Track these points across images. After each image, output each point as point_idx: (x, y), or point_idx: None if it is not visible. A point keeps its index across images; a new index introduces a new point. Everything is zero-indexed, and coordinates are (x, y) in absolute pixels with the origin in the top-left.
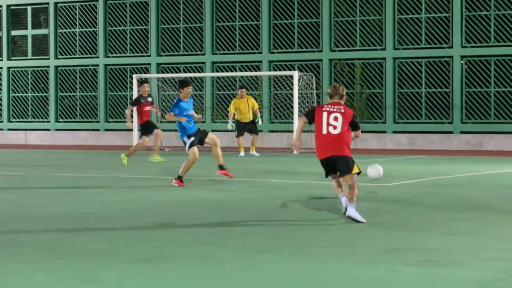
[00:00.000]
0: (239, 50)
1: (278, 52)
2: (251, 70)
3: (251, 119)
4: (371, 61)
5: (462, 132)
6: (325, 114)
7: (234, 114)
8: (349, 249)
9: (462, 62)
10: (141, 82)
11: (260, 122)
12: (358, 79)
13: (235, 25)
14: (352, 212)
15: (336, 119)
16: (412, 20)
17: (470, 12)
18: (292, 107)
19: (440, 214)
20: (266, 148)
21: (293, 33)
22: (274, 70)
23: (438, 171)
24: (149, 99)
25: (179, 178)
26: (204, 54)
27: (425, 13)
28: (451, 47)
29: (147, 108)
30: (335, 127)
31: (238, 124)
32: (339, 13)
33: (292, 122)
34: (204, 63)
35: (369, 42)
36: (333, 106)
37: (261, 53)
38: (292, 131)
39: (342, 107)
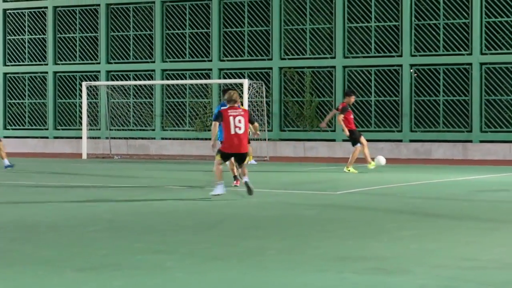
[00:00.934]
0: (189, 58)
1: (228, 60)
2: (201, 78)
3: None
4: (321, 70)
5: (411, 141)
6: (231, 118)
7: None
8: (298, 257)
9: (411, 70)
10: None
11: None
12: (308, 87)
13: (185, 32)
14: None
15: (240, 121)
16: (361, 28)
17: (419, 21)
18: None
19: (389, 222)
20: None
21: (243, 41)
22: (224, 78)
23: (388, 179)
24: None
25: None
26: (154, 62)
27: (375, 22)
28: (401, 56)
29: None
30: (240, 128)
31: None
32: (289, 21)
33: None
34: (154, 70)
35: (319, 51)
36: (235, 110)
37: (211, 61)
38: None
39: (241, 110)
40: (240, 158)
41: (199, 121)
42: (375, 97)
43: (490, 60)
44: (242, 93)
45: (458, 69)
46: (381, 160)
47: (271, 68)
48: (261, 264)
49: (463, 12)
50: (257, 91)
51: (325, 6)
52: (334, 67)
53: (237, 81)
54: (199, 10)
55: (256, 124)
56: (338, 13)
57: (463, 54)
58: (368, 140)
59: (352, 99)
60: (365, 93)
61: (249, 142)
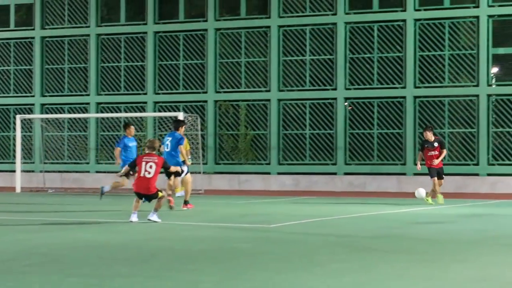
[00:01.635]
0: (124, 90)
1: (163, 93)
2: (136, 111)
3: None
4: (256, 103)
5: (345, 173)
6: (143, 163)
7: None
8: None
9: (345, 103)
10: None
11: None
12: (243, 120)
13: (120, 66)
14: (154, 217)
15: (151, 167)
16: (296, 62)
17: (354, 55)
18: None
19: (322, 254)
20: None
21: (178, 74)
22: (159, 111)
23: (322, 212)
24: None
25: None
26: (88, 95)
27: (310, 55)
28: (335, 89)
29: None
30: (149, 173)
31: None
32: (224, 55)
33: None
34: (88, 103)
35: (254, 84)
36: (149, 157)
37: (146, 94)
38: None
39: (155, 158)
40: (147, 198)
41: None
42: (309, 130)
43: (424, 93)
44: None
45: (392, 102)
46: (422, 192)
47: (206, 101)
48: None
49: (397, 46)
50: (192, 124)
51: (260, 39)
52: (269, 100)
53: (173, 114)
54: (135, 43)
55: (172, 168)
56: (273, 47)
57: (397, 88)
58: (303, 173)
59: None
60: (300, 126)
61: (179, 174)
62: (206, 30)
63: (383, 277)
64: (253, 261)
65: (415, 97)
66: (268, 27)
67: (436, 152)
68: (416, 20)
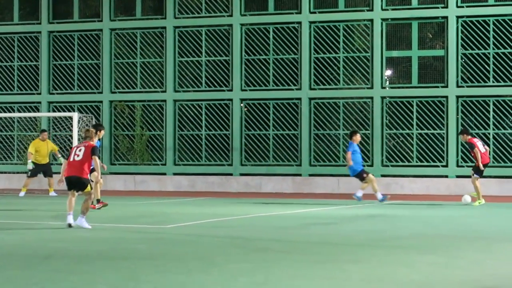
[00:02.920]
0: (17, 90)
1: (57, 93)
2: (30, 111)
3: (47, 161)
4: (151, 103)
5: (241, 174)
6: (74, 149)
7: (33, 156)
8: None
9: (241, 105)
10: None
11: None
12: (139, 121)
13: (13, 65)
14: (81, 222)
15: (80, 150)
16: (192, 62)
17: (249, 56)
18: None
19: (218, 255)
20: (44, 189)
21: (73, 74)
22: (54, 111)
23: (217, 213)
24: None
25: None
26: None
27: (206, 56)
28: (231, 90)
29: None
30: (78, 155)
31: (36, 166)
32: (119, 55)
33: None
34: None
35: (150, 84)
36: (81, 144)
37: (40, 94)
38: None
39: (86, 143)
40: (72, 184)
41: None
42: (205, 131)
43: (319, 95)
44: (72, 126)
45: (288, 104)
46: (467, 198)
47: (101, 102)
48: None
49: (293, 48)
50: (87, 125)
51: (155, 40)
52: (164, 100)
53: (67, 114)
54: (28, 42)
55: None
56: (169, 47)
57: (292, 89)
58: (198, 174)
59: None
60: (195, 127)
61: (51, 175)
62: (101, 30)
63: (279, 277)
64: (149, 262)
65: (310, 99)
66: (164, 27)
67: None
68: (311, 22)
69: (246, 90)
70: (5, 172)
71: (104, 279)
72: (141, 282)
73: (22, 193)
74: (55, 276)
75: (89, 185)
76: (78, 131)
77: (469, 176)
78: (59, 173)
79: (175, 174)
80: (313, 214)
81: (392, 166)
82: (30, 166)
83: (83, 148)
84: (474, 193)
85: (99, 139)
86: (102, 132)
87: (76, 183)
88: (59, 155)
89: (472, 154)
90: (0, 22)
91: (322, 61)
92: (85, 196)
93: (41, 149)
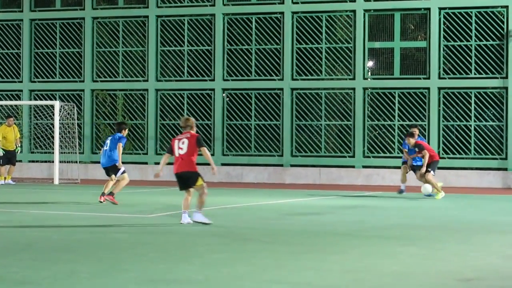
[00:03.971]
0: None
1: (39, 82)
2: (11, 99)
3: (14, 148)
4: (133, 92)
5: (223, 164)
6: (176, 141)
7: (0, 142)
8: (110, 280)
9: (223, 95)
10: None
11: (19, 152)
12: (120, 110)
13: None
14: (198, 217)
15: (183, 143)
16: (175, 52)
17: (231, 46)
18: (53, 137)
19: (200, 245)
20: (26, 178)
21: (54, 62)
22: (35, 99)
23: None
24: None
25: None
26: None
27: (188, 46)
28: (213, 80)
29: None
30: (182, 149)
31: (5, 153)
32: (101, 44)
33: (53, 152)
34: None
35: (132, 74)
36: (182, 135)
37: (21, 82)
38: (53, 161)
39: (189, 134)
40: (184, 180)
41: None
42: None
43: (301, 85)
44: (53, 114)
45: (270, 94)
46: (428, 188)
47: (83, 90)
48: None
49: (275, 38)
50: (68, 113)
51: (138, 29)
52: (146, 90)
53: (48, 102)
54: (10, 30)
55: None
56: (151, 37)
57: (274, 80)
58: None
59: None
60: (177, 116)
61: (14, 163)
62: (83, 18)
63: (262, 268)
64: (131, 252)
65: (292, 89)
66: (146, 17)
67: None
68: (293, 13)
69: (228, 80)
70: None
71: (86, 268)
72: (122, 271)
73: (1, 182)
74: (35, 265)
75: (200, 178)
76: (60, 120)
77: (451, 168)
78: (35, 161)
79: (156, 163)
80: (295, 204)
81: (374, 157)
82: (0, 152)
83: (186, 140)
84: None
85: (124, 136)
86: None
87: (188, 179)
88: (19, 144)
89: (420, 155)
90: None
91: (305, 51)
92: (198, 191)
93: (8, 135)
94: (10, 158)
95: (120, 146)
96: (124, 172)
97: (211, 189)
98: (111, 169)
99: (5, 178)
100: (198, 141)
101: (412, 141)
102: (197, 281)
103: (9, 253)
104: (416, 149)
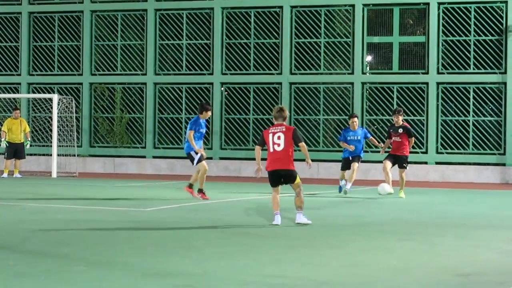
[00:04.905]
0: None
1: (37, 75)
2: (10, 92)
3: (22, 140)
4: (131, 86)
5: (221, 158)
6: (270, 135)
7: (6, 134)
8: (107, 273)
9: (222, 88)
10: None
11: (28, 146)
12: (119, 104)
13: None
14: (301, 218)
15: (279, 138)
16: (173, 46)
17: (230, 40)
18: (51, 130)
19: (197, 239)
20: (24, 171)
21: (53, 55)
22: (34, 92)
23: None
24: None
25: (201, 191)
26: None
27: (186, 40)
28: (212, 74)
29: None
30: (278, 145)
31: (9, 145)
32: (100, 37)
33: (51, 146)
34: None
35: (130, 67)
36: (276, 127)
37: (20, 75)
38: (51, 155)
39: (284, 127)
40: (278, 178)
41: None
42: (185, 114)
43: (299, 80)
44: (52, 108)
45: (268, 88)
46: (386, 188)
47: (81, 84)
48: (70, 281)
49: (274, 32)
50: (66, 106)
51: (136, 23)
52: (145, 83)
53: (47, 96)
54: (8, 23)
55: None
56: (150, 30)
57: (273, 74)
58: (177, 157)
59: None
60: (176, 110)
61: (23, 157)
62: (82, 11)
63: (259, 261)
64: (128, 245)
65: (291, 84)
66: (145, 10)
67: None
68: (292, 7)
69: (226, 74)
70: None
71: (83, 261)
72: (120, 264)
73: (4, 175)
74: (32, 258)
75: (297, 176)
76: (58, 113)
77: (449, 163)
78: (34, 154)
79: (154, 157)
80: (293, 199)
81: (372, 152)
82: (2, 144)
83: (282, 135)
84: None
85: (195, 119)
86: (209, 113)
87: (287, 177)
88: (29, 138)
89: (408, 142)
90: None
91: (303, 46)
92: (295, 190)
93: (13, 127)
94: (16, 151)
95: (191, 134)
96: (199, 160)
97: (209, 183)
98: (189, 159)
99: (11, 171)
100: (295, 136)
101: (400, 119)
102: (194, 274)
103: (6, 246)
104: (401, 130)
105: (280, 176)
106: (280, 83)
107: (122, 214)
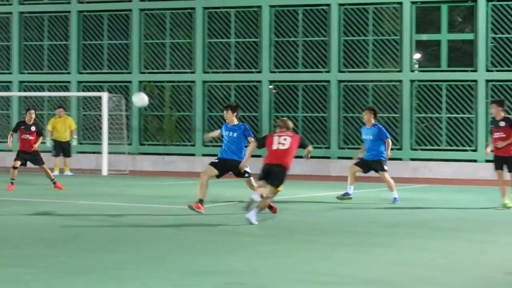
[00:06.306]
0: (47, 70)
1: (87, 73)
2: (59, 91)
3: (67, 139)
4: (180, 84)
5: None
6: (276, 137)
7: (51, 133)
8: (157, 271)
9: (270, 86)
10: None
11: (74, 143)
12: (168, 102)
13: (43, 44)
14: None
15: (285, 139)
16: (222, 44)
17: (278, 38)
18: (101, 128)
19: (247, 236)
20: (74, 169)
21: (102, 53)
22: (83, 91)
23: (245, 195)
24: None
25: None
26: (11, 73)
27: (235, 38)
28: (260, 72)
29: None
30: (283, 144)
31: (55, 144)
32: (149, 36)
33: (101, 143)
34: (11, 82)
35: (179, 65)
36: (281, 133)
37: (70, 73)
38: (101, 153)
39: (290, 133)
40: (268, 173)
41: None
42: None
43: (348, 78)
44: (101, 106)
45: (317, 86)
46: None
47: (131, 82)
48: (119, 278)
49: (322, 30)
50: (116, 105)
51: (185, 21)
52: (194, 81)
53: (96, 94)
54: (58, 22)
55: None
56: (198, 28)
57: (321, 72)
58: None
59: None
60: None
61: (69, 155)
62: (130, 10)
63: (308, 260)
64: (177, 243)
65: (339, 81)
66: (193, 8)
67: (503, 134)
68: (340, 5)
69: (275, 72)
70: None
71: (132, 258)
72: (168, 262)
73: (55, 172)
74: (83, 255)
75: (283, 185)
76: (108, 111)
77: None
78: (84, 152)
79: (204, 155)
80: (333, 197)
81: (421, 149)
82: (48, 143)
83: (288, 138)
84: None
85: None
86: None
87: (276, 173)
88: (75, 136)
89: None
90: (30, 2)
91: (352, 43)
92: (270, 193)
93: (57, 126)
94: (63, 149)
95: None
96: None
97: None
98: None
99: (61, 169)
100: (303, 141)
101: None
102: (244, 272)
103: (59, 243)
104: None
105: (271, 172)
106: (329, 81)
107: (172, 212)
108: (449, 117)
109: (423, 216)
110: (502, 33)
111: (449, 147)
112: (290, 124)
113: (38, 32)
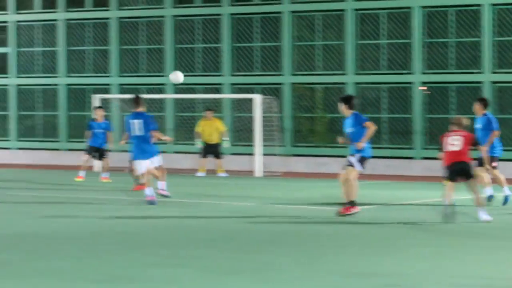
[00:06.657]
0: (200, 72)
1: (239, 75)
2: (212, 92)
3: (215, 141)
4: (331, 86)
5: (423, 158)
6: (448, 138)
7: (200, 135)
8: (312, 272)
9: (422, 88)
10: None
11: (226, 145)
12: (320, 104)
13: (196, 47)
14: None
15: (456, 140)
16: (372, 45)
17: (429, 39)
18: (252, 130)
19: (402, 238)
20: (227, 171)
21: (253, 56)
22: (236, 92)
23: (397, 197)
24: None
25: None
26: (163, 76)
27: (386, 39)
28: (411, 73)
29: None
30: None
31: (204, 145)
32: (300, 37)
33: (253, 145)
34: (165, 84)
35: (330, 67)
36: (455, 132)
37: (222, 75)
38: (253, 154)
39: (463, 133)
40: (457, 170)
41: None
42: (386, 113)
43: (502, 79)
44: (253, 108)
45: (468, 88)
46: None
47: (282, 84)
48: (275, 279)
49: (474, 30)
50: (269, 106)
51: (335, 22)
52: (345, 83)
53: (249, 96)
54: (209, 25)
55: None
56: (348, 30)
57: (473, 73)
58: (379, 157)
59: None
60: (375, 110)
61: (219, 157)
62: (280, 12)
63: (464, 263)
64: (333, 244)
65: (493, 82)
66: (342, 10)
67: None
68: (492, 5)
69: (427, 74)
70: (189, 152)
71: (287, 259)
72: (324, 263)
73: (200, 173)
74: (238, 255)
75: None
76: (262, 113)
77: None
78: (237, 154)
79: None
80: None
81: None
82: (199, 144)
83: (461, 138)
84: None
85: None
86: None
87: (465, 169)
88: (225, 138)
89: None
90: (183, 5)
91: (506, 43)
92: (471, 186)
93: (205, 128)
94: (212, 151)
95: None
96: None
97: (408, 183)
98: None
99: (213, 170)
100: (474, 142)
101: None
102: (401, 274)
103: (213, 244)
104: None
105: (459, 169)
106: (481, 82)
107: (327, 213)
108: None
109: None
110: None
111: None
112: (464, 122)
113: (189, 35)
